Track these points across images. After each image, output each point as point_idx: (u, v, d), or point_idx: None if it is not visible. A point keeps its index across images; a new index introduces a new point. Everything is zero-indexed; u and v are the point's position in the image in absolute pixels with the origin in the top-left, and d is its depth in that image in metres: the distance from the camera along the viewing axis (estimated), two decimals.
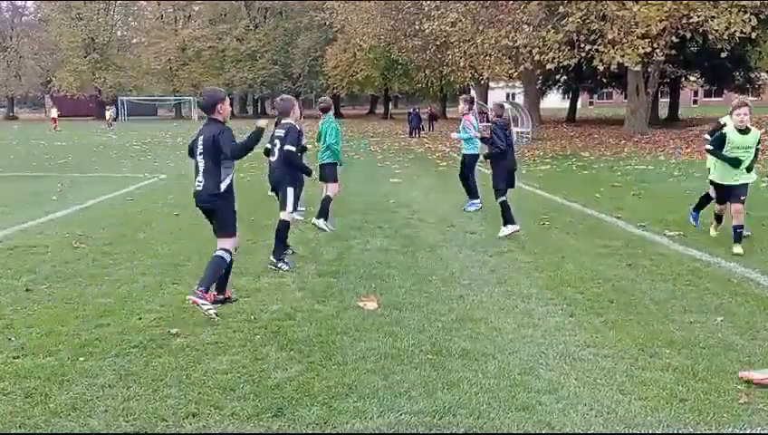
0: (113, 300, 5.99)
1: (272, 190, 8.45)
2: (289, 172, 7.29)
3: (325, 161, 9.18)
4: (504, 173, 8.68)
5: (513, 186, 8.84)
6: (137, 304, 5.83)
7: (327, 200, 9.15)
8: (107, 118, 54.36)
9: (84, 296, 6.11)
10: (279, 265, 7.07)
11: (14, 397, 4.02)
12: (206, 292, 5.44)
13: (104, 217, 10.50)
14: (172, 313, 5.60)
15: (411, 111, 37.61)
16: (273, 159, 7.47)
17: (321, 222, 9.06)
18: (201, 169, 5.67)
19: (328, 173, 9.21)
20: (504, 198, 8.61)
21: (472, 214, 10.57)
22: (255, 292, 6.21)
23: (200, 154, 5.66)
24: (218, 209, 5.72)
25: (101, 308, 5.72)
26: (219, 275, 5.74)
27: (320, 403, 3.90)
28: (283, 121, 7.45)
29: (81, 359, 4.59)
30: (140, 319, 5.43)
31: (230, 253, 5.78)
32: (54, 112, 49.63)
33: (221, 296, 5.83)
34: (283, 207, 7.26)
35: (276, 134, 7.41)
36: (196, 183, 5.71)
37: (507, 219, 8.57)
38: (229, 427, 3.67)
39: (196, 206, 5.84)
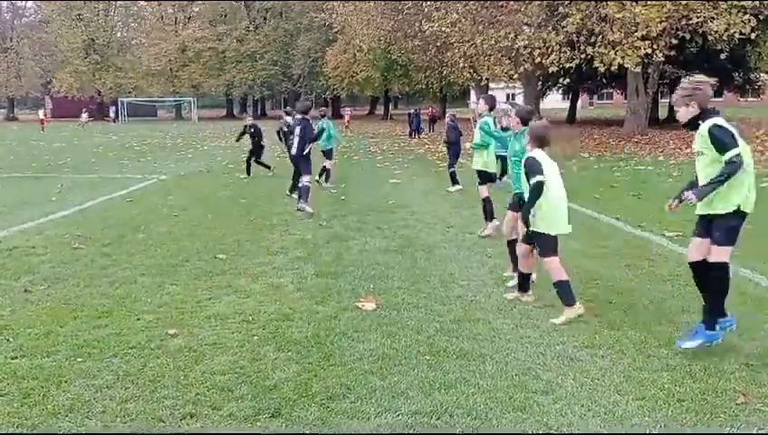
0: (112, 301, 5.99)
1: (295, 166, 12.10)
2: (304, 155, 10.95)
3: (327, 147, 14.77)
4: (455, 156, 14.31)
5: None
6: (135, 305, 5.84)
7: (325, 169, 14.82)
8: (82, 119, 54.27)
9: (83, 297, 6.11)
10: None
11: (12, 397, 4.03)
12: (307, 201, 10.58)
13: (103, 218, 10.51)
14: (170, 314, 5.60)
15: (412, 111, 37.60)
16: (294, 145, 10.91)
17: (327, 184, 14.52)
18: (296, 142, 10.74)
19: (327, 153, 14.90)
20: (453, 169, 13.98)
21: (470, 215, 10.55)
22: (253, 292, 6.21)
23: (297, 135, 10.72)
24: (302, 163, 10.85)
25: (100, 309, 5.73)
26: (308, 192, 10.71)
27: (318, 404, 3.90)
28: (298, 117, 11.18)
29: (80, 360, 4.60)
30: (139, 320, 5.44)
31: (310, 181, 10.87)
32: (42, 114, 49.75)
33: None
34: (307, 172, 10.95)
35: (296, 129, 10.97)
36: (292, 149, 10.96)
37: (454, 181, 13.71)
38: (227, 428, 3.67)
39: (291, 161, 11.50)
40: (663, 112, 41.70)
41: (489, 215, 8.85)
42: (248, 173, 16.21)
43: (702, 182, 4.63)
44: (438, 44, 30.90)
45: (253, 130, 16.23)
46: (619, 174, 16.28)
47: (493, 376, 4.27)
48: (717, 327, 4.63)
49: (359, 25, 39.45)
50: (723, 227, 4.62)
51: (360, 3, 38.37)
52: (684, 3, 20.18)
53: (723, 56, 23.98)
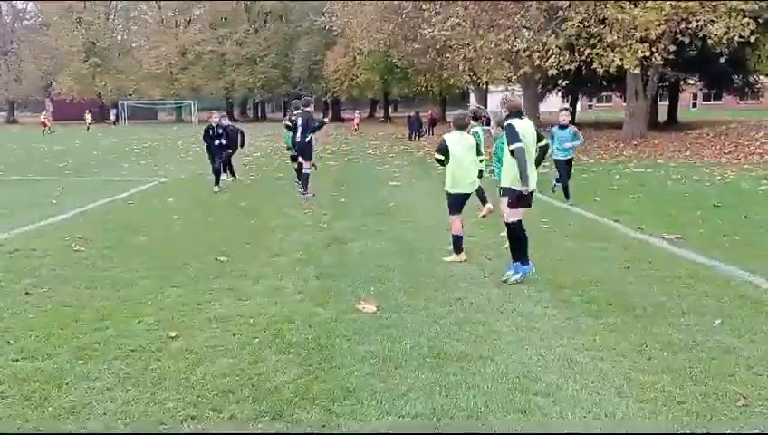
0: (112, 303, 6.00)
1: (295, 153, 13.91)
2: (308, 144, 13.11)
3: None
4: None
5: None
6: (136, 308, 5.84)
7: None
8: (87, 121, 54.06)
9: (83, 300, 6.12)
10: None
11: (13, 400, 4.03)
12: (307, 190, 12.84)
13: (104, 221, 10.51)
14: (171, 316, 5.61)
15: (412, 114, 37.59)
16: (298, 134, 13.02)
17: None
18: (299, 132, 12.86)
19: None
20: None
21: (470, 218, 10.55)
22: (254, 295, 6.22)
23: (300, 126, 12.82)
24: (305, 150, 13.01)
25: (101, 311, 5.74)
26: (308, 179, 12.98)
27: (318, 406, 3.91)
28: (298, 111, 13.29)
29: (81, 362, 4.60)
30: (139, 322, 5.44)
31: (309, 169, 13.10)
32: (44, 116, 49.88)
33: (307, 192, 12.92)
34: (308, 159, 13.25)
35: (298, 120, 13.03)
36: (297, 137, 13.03)
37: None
38: (228, 429, 3.68)
39: (294, 149, 13.60)
40: (662, 115, 41.75)
41: (483, 200, 10.37)
42: (233, 174, 16.16)
43: (504, 161, 6.74)
44: (438, 48, 30.93)
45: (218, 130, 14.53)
46: (618, 177, 16.29)
47: (493, 378, 4.28)
48: (530, 264, 6.66)
49: (358, 28, 39.49)
50: (507, 195, 6.67)
51: (360, 6, 38.42)
52: (683, 6, 20.20)
53: (722, 59, 23.94)
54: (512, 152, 6.44)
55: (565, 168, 12.07)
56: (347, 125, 49.69)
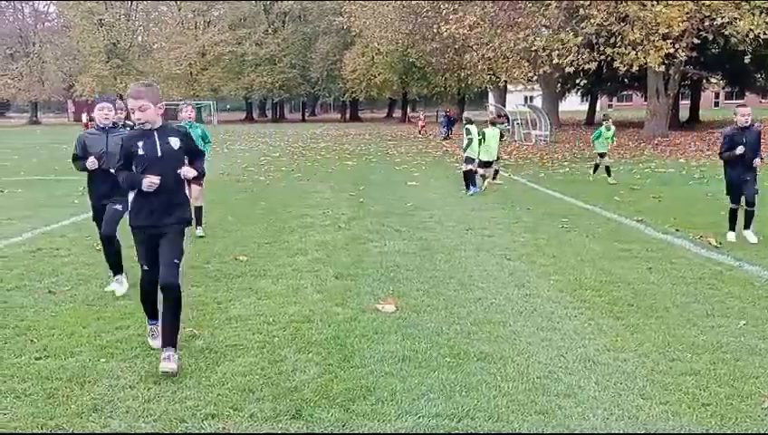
0: (134, 302, 6.01)
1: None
2: None
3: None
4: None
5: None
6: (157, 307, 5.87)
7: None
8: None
9: (106, 298, 6.18)
10: None
11: (37, 398, 4.07)
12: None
13: (124, 220, 10.57)
14: (191, 315, 5.63)
15: (444, 113, 37.18)
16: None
17: None
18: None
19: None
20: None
21: (489, 217, 10.52)
22: (274, 294, 6.24)
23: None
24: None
25: (122, 310, 5.78)
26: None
27: (338, 406, 3.91)
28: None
29: (103, 360, 4.64)
30: None
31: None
32: (85, 117, 51.64)
33: None
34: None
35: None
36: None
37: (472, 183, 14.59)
38: (248, 428, 3.68)
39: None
40: (684, 114, 41.30)
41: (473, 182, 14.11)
42: None
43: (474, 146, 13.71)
44: (456, 47, 30.87)
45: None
46: (639, 176, 16.13)
47: (514, 379, 4.25)
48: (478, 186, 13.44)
49: (376, 28, 39.54)
50: (467, 160, 13.78)
51: (379, 6, 38.45)
52: (706, 3, 19.96)
53: (746, 58, 23.59)
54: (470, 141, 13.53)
55: None
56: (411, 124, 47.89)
